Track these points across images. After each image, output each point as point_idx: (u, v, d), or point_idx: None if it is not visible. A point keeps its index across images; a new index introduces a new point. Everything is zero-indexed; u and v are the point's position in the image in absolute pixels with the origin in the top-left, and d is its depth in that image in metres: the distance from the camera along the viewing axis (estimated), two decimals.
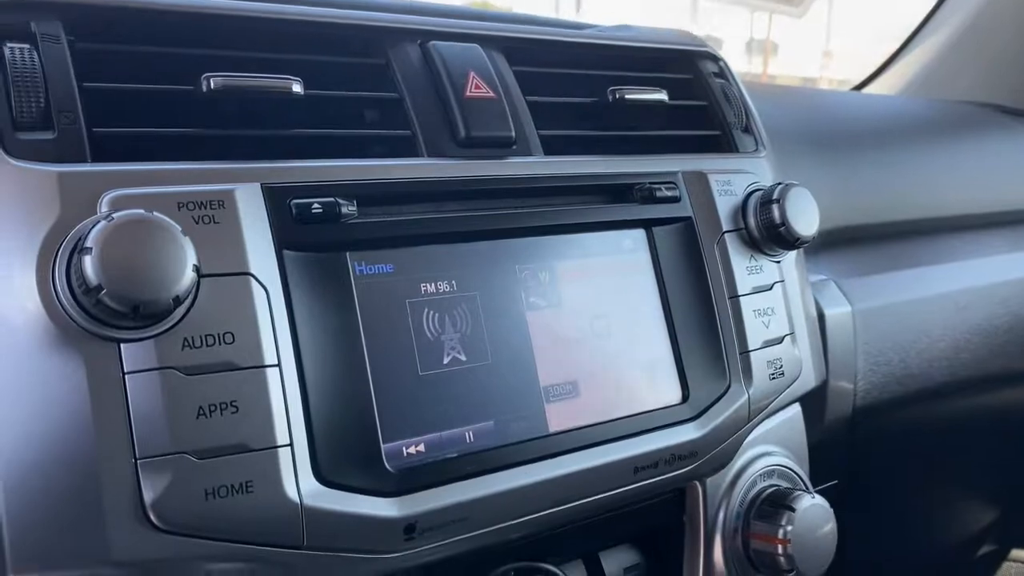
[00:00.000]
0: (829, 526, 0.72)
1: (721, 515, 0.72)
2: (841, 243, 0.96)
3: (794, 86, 2.24)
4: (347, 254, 0.52)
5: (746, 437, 0.70)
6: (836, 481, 0.92)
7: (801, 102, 1.24)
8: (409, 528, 0.51)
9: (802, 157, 0.97)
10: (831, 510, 0.73)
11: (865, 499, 1.09)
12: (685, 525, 0.73)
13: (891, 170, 1.07)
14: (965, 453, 1.23)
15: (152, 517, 0.44)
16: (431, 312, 0.56)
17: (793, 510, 0.71)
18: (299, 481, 0.47)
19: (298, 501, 0.47)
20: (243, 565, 0.48)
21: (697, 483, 0.71)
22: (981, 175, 1.20)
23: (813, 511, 0.71)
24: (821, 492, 0.81)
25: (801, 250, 0.78)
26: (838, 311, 0.83)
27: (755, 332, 0.69)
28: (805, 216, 0.71)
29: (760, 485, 0.74)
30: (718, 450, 0.67)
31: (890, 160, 1.08)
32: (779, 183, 0.71)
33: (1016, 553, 1.66)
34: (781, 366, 0.71)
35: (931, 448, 1.12)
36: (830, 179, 0.99)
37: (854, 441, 0.93)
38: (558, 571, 0.66)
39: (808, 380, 0.74)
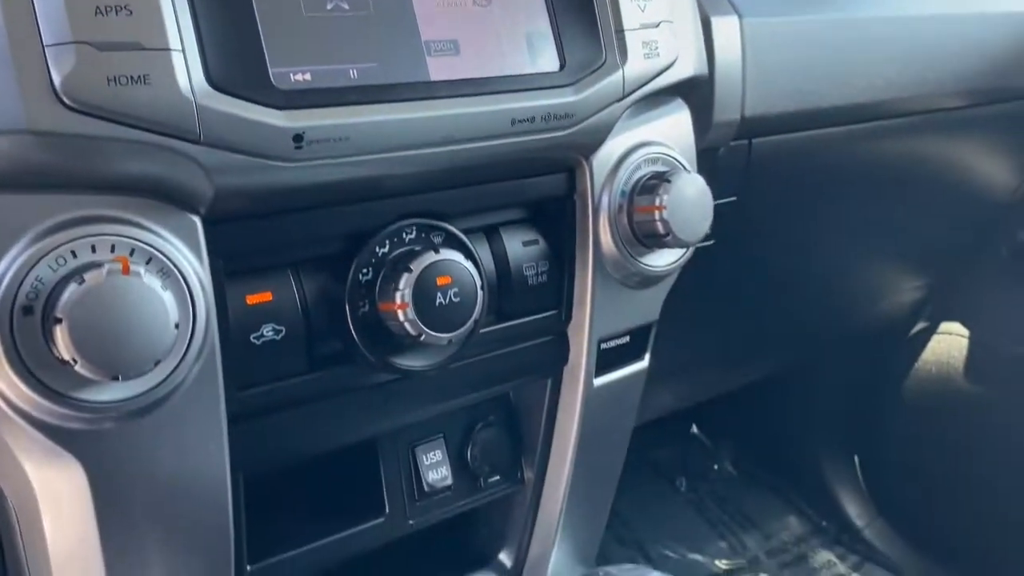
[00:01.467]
0: (703, 194, 0.80)
1: (607, 195, 0.81)
2: None
3: None
4: None
5: (622, 112, 0.77)
6: (735, 198, 1.01)
7: None
8: (297, 137, 0.59)
9: None
10: (706, 185, 0.81)
11: (768, 234, 1.18)
12: (576, 204, 0.81)
13: None
14: (877, 208, 1.31)
15: (62, 96, 0.52)
16: None
17: (669, 182, 0.80)
18: (192, 81, 0.55)
19: (191, 97, 0.55)
20: (154, 162, 0.56)
21: (584, 163, 0.80)
22: None
23: (687, 180, 0.80)
24: (717, 207, 0.90)
25: None
26: (724, 18, 0.89)
27: (631, 14, 0.76)
28: None
29: (644, 170, 0.83)
30: (594, 119, 0.74)
31: None
32: None
33: (946, 326, 1.78)
34: (656, 48, 0.78)
35: (838, 191, 1.20)
36: None
37: (751, 163, 1.01)
38: (458, 231, 0.75)
39: (686, 67, 0.82)
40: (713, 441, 2.09)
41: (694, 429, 2.09)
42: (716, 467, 2.06)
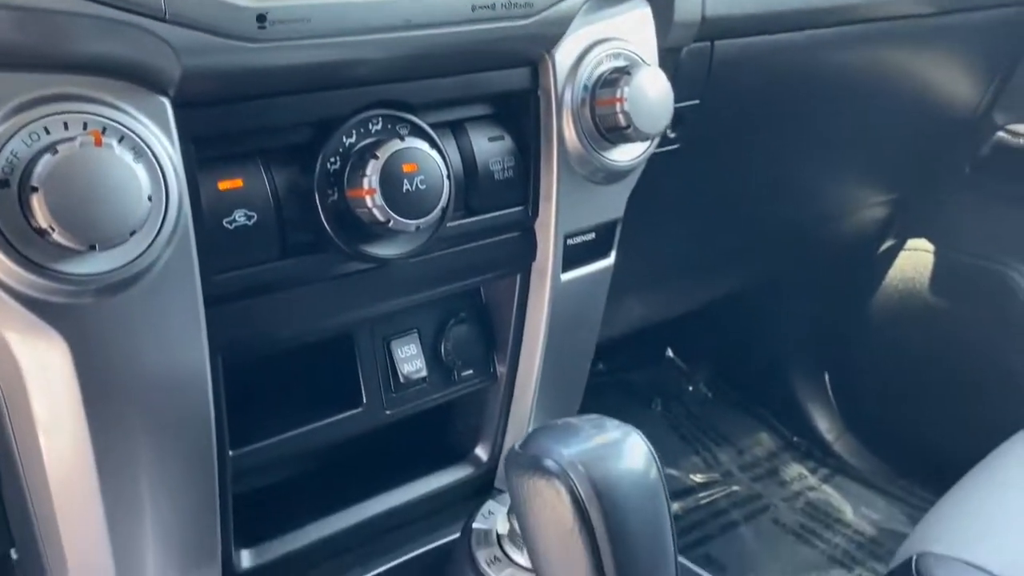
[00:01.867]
0: (663, 87, 0.83)
1: (570, 90, 0.83)
2: None
3: None
4: None
5: (582, 3, 0.79)
6: (697, 101, 1.03)
7: None
8: (261, 17, 0.61)
9: None
10: (666, 79, 0.83)
11: (738, 145, 1.20)
12: (540, 99, 0.83)
13: None
14: (842, 120, 1.34)
15: None
16: None
17: (630, 75, 0.82)
18: None
19: None
20: (123, 41, 0.58)
21: (546, 57, 0.81)
22: None
23: (648, 73, 0.82)
24: (680, 110, 0.92)
25: None
26: None
27: None
28: None
29: (606, 65, 0.84)
30: (553, 9, 0.76)
31: None
32: None
33: (913, 242, 1.82)
34: None
35: (803, 100, 1.23)
36: None
37: (713, 66, 1.03)
38: (423, 123, 0.77)
39: None
40: (687, 364, 2.14)
41: (669, 353, 2.14)
42: (691, 388, 2.11)
